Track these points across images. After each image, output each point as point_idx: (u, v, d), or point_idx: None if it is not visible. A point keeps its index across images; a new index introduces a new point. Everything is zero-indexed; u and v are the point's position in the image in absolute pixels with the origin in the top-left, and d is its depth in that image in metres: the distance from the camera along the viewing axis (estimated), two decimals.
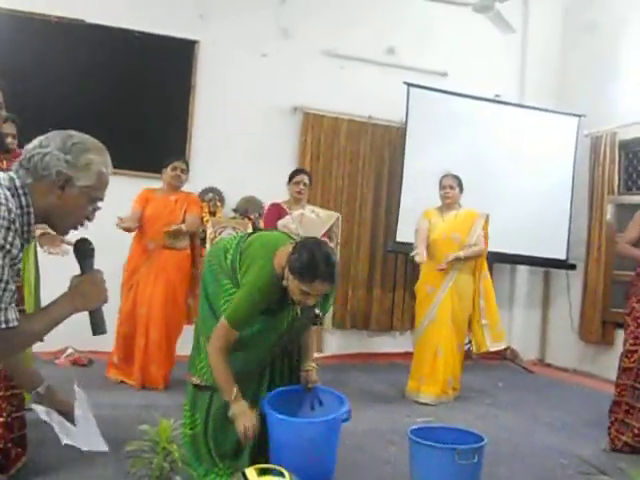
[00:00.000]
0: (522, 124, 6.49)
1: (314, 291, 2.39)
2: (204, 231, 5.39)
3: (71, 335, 5.18)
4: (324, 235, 4.74)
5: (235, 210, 5.95)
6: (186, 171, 4.82)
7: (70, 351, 5.23)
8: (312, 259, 2.37)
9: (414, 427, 2.83)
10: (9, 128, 3.59)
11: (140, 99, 5.67)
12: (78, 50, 5.47)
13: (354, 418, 4.06)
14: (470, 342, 5.09)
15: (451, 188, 4.90)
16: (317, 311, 2.73)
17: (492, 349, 5.02)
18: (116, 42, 5.58)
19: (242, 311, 2.52)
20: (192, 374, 2.84)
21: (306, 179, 4.80)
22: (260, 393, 2.73)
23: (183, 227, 4.65)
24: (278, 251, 2.53)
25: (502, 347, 5.23)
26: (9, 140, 3.56)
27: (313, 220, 4.70)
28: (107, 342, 4.76)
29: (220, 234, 5.43)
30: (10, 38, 5.25)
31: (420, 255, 4.78)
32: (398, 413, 4.38)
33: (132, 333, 4.64)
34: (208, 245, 5.30)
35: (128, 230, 4.61)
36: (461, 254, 4.75)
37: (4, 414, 2.61)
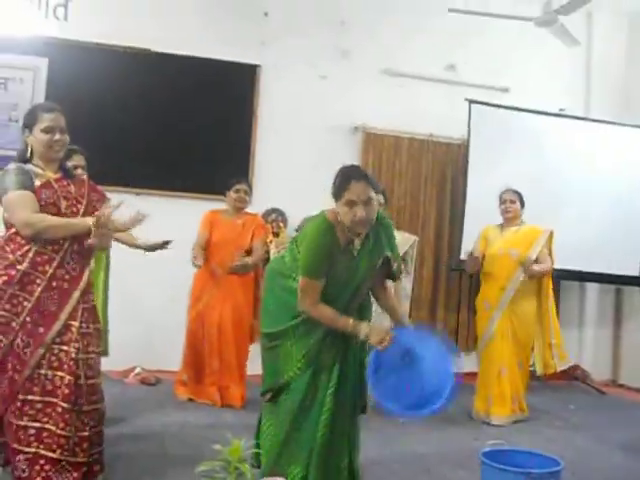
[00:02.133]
0: (589, 138, 6.32)
1: (355, 195, 2.52)
2: (267, 252, 5.44)
3: (139, 355, 5.40)
4: None
5: (297, 230, 5.99)
6: (249, 192, 4.88)
7: (138, 370, 5.34)
8: (342, 170, 2.63)
9: (486, 450, 2.77)
10: (78, 160, 3.71)
11: (204, 123, 5.79)
12: (145, 78, 5.64)
13: (421, 441, 4.02)
14: (533, 363, 4.94)
15: (512, 203, 4.82)
16: (394, 265, 2.79)
17: (560, 368, 4.89)
18: (181, 69, 5.74)
19: (310, 261, 2.63)
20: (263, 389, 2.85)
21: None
22: (329, 387, 2.68)
23: (249, 261, 4.70)
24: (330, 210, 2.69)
25: (567, 366, 5.06)
26: (79, 171, 3.67)
27: None
28: (174, 361, 4.86)
29: None
30: (78, 68, 5.44)
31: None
32: (466, 435, 4.30)
33: (201, 353, 4.71)
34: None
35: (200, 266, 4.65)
36: (536, 268, 4.63)
37: (87, 428, 2.69)
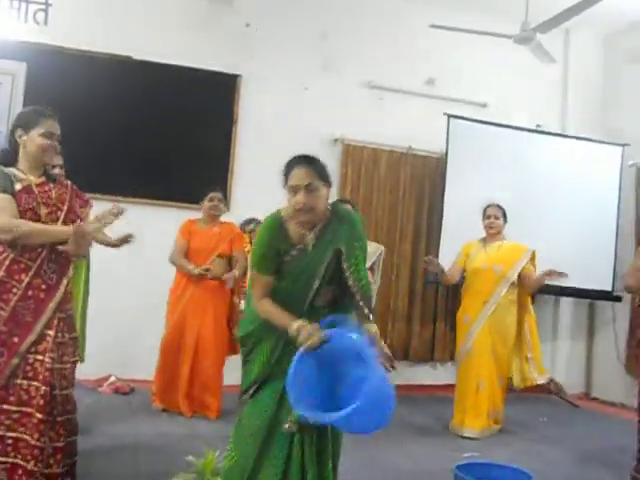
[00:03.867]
0: (564, 154, 6.43)
1: (295, 181, 2.45)
2: (246, 260, 5.44)
3: (114, 363, 5.35)
4: (367, 268, 4.74)
5: None
6: (223, 200, 4.94)
7: (112, 379, 5.30)
8: (289, 158, 2.55)
9: (460, 463, 2.79)
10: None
11: (184, 131, 5.79)
12: (126, 86, 5.62)
13: (397, 454, 4.03)
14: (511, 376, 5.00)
15: (496, 218, 4.86)
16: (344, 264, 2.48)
17: (539, 382, 4.94)
18: (162, 77, 5.73)
19: (255, 254, 2.56)
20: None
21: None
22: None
23: (236, 274, 4.78)
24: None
25: (545, 380, 5.14)
26: (57, 171, 3.68)
27: None
28: (150, 370, 4.82)
29: None
30: (58, 74, 5.40)
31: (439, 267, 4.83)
32: (441, 447, 4.31)
33: (175, 362, 4.67)
34: (249, 275, 5.35)
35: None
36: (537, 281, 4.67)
37: (61, 439, 2.66)
